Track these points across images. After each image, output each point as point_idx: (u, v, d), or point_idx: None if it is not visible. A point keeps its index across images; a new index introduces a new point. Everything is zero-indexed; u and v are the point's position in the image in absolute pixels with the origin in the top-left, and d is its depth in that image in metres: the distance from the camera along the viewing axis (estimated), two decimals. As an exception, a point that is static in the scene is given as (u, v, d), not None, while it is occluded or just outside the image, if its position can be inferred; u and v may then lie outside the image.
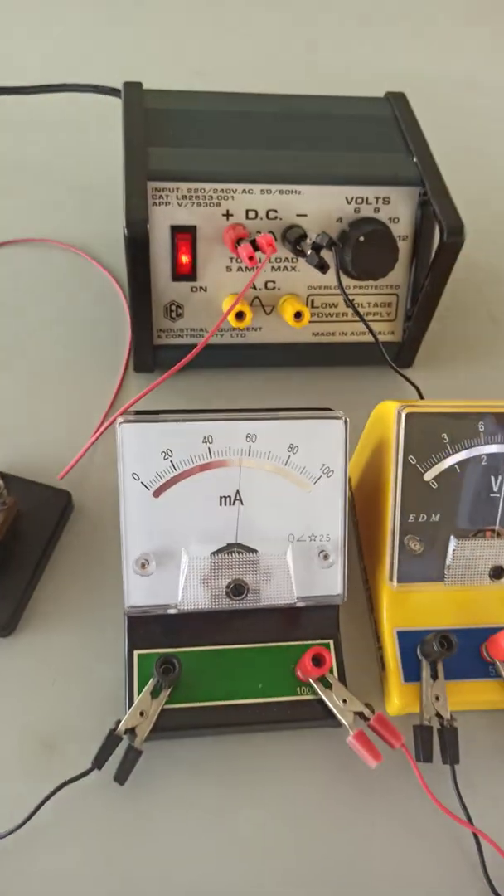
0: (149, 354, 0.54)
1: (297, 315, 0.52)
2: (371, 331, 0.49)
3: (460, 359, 0.61)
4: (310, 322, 0.55)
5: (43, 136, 0.75)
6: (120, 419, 0.39)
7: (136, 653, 0.41)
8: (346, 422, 0.40)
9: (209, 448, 0.40)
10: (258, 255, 0.47)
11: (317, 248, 0.47)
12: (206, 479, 0.40)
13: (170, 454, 0.39)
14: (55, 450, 0.51)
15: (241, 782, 0.40)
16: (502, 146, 0.82)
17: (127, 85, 0.55)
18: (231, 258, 0.51)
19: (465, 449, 0.42)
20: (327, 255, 0.49)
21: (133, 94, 0.54)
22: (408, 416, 0.41)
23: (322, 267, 0.47)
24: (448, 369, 0.60)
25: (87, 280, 0.63)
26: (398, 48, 0.95)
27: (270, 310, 0.54)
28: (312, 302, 0.54)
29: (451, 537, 0.42)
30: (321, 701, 0.40)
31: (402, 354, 0.57)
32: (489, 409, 0.42)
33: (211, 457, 0.40)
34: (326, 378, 0.58)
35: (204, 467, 0.40)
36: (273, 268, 0.52)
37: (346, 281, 0.52)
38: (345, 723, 0.39)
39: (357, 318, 0.54)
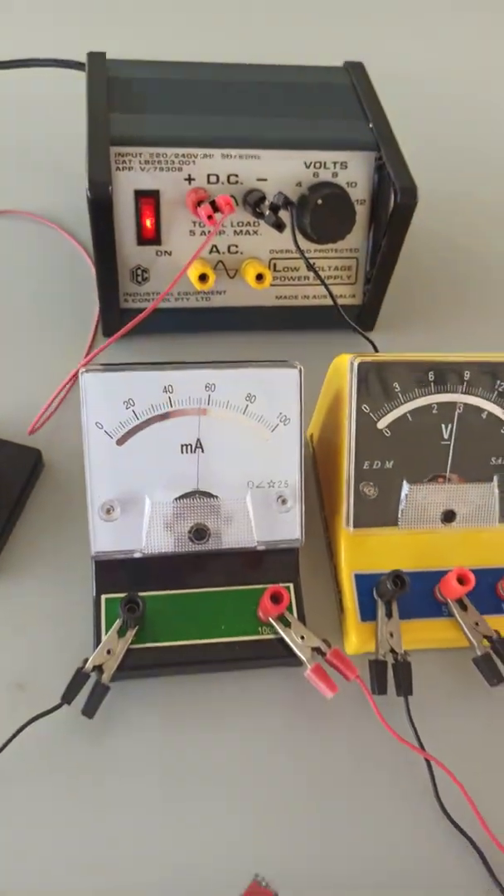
0: (116, 318, 0.55)
1: (259, 277, 0.54)
2: (327, 288, 0.51)
3: (420, 324, 0.63)
4: (273, 286, 0.57)
5: (8, 110, 0.76)
6: (83, 369, 0.40)
7: (103, 597, 0.43)
8: (300, 371, 0.42)
9: (170, 397, 0.41)
10: (217, 215, 0.49)
11: (274, 208, 0.49)
12: (168, 428, 0.42)
13: (132, 403, 0.41)
14: (26, 411, 0.52)
15: (204, 717, 0.42)
16: (466, 131, 0.84)
17: (91, 55, 0.57)
18: (194, 222, 0.53)
19: (416, 398, 0.44)
20: (285, 217, 0.50)
21: (96, 64, 0.56)
22: (360, 365, 0.43)
23: (279, 226, 0.49)
24: (408, 334, 0.62)
25: (56, 250, 0.64)
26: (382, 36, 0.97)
27: (234, 273, 0.56)
28: (275, 266, 0.56)
29: (404, 482, 0.44)
30: (281, 640, 0.42)
31: (362, 317, 0.58)
32: (438, 359, 0.44)
33: (171, 406, 0.41)
34: (290, 342, 0.59)
35: (165, 416, 0.41)
36: (235, 232, 0.54)
37: (306, 245, 0.53)
38: (303, 658, 0.41)
39: (318, 282, 0.55)
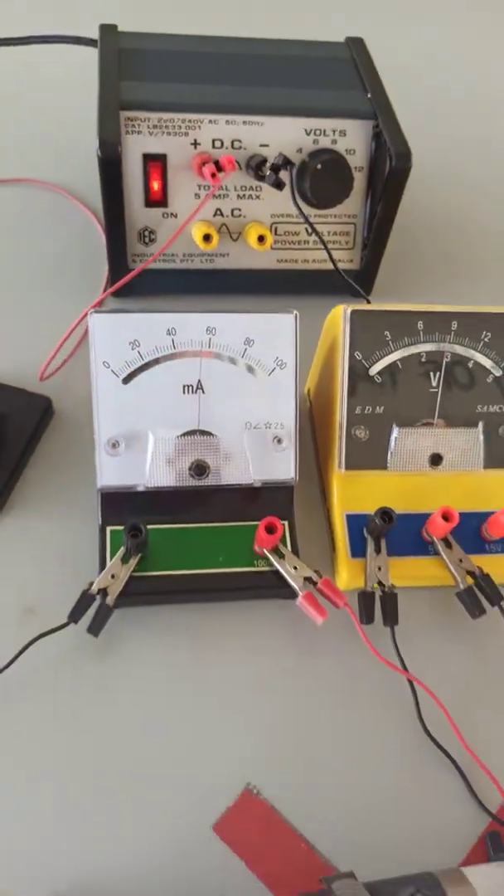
0: (124, 277, 0.58)
1: (261, 238, 0.56)
2: (325, 246, 0.54)
3: (414, 292, 0.65)
4: (274, 249, 0.59)
5: (24, 85, 0.79)
6: (92, 311, 0.43)
7: (108, 528, 0.45)
8: (296, 317, 0.45)
9: (173, 340, 0.44)
10: (220, 174, 0.52)
11: (275, 168, 0.52)
12: (171, 369, 0.44)
13: (137, 344, 0.44)
14: (38, 365, 0.55)
15: (203, 642, 0.45)
16: (465, 118, 0.86)
17: (103, 27, 0.59)
18: (199, 185, 0.55)
19: (406, 346, 0.46)
20: (285, 177, 0.53)
21: (108, 35, 0.58)
22: (353, 313, 0.46)
23: (278, 185, 0.51)
24: (403, 300, 0.64)
25: (69, 217, 0.67)
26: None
27: (237, 236, 0.58)
28: (276, 230, 0.58)
29: (394, 426, 0.47)
30: (276, 571, 0.45)
31: (359, 282, 0.61)
32: (428, 309, 0.47)
33: (175, 348, 0.44)
34: (290, 305, 0.61)
35: (168, 357, 0.44)
36: (238, 196, 0.56)
37: (306, 210, 0.56)
38: (295, 586, 0.44)
39: (318, 246, 0.58)
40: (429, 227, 0.72)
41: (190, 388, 0.45)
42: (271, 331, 0.45)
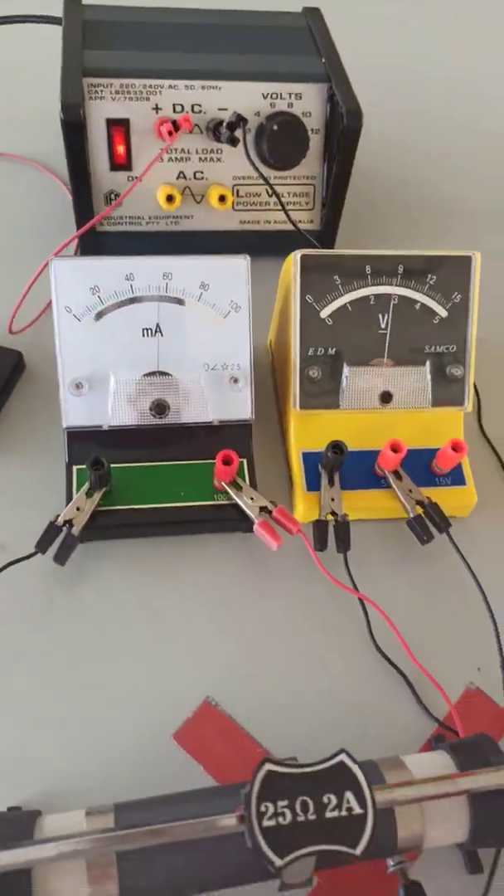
0: (92, 240, 0.60)
1: (222, 198, 0.59)
2: (282, 204, 0.57)
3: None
4: (237, 210, 0.62)
5: None
6: (53, 257, 0.45)
7: (74, 468, 0.48)
8: (247, 260, 0.47)
9: (131, 285, 0.46)
10: (177, 133, 0.54)
11: (230, 126, 0.54)
12: (130, 313, 0.47)
13: (97, 290, 0.46)
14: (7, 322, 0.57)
15: (165, 572, 0.47)
16: (421, 94, 0.89)
17: (67, 0, 0.62)
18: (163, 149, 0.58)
19: (356, 289, 0.49)
20: (240, 134, 0.55)
21: (72, 8, 0.61)
22: (303, 257, 0.48)
23: (233, 141, 0.54)
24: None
25: (41, 189, 0.70)
26: None
27: (200, 199, 0.61)
28: (238, 191, 0.61)
29: (345, 365, 0.49)
30: (235, 505, 0.47)
31: (320, 240, 0.63)
32: (375, 254, 0.49)
33: (133, 293, 0.47)
34: (255, 268, 0.64)
35: (127, 302, 0.46)
36: (200, 159, 0.59)
37: (265, 172, 0.58)
38: (252, 515, 0.46)
39: (279, 207, 0.60)
40: (386, 190, 0.74)
41: (149, 331, 0.47)
42: (225, 275, 0.47)
